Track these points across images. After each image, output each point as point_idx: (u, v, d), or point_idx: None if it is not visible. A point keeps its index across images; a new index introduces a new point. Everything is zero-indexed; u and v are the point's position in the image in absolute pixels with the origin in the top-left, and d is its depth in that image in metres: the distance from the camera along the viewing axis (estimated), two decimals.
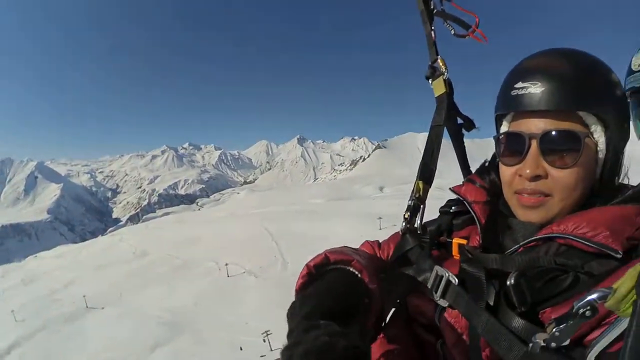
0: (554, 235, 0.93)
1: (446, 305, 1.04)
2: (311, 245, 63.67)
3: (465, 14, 1.60)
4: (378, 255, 1.43)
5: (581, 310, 0.73)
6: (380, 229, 66.72)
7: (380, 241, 1.52)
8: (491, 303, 0.94)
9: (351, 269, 1.06)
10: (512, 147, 1.04)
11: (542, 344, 0.78)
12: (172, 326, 37.81)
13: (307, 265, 1.06)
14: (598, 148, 0.98)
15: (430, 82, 1.60)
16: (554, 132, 0.95)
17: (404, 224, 1.32)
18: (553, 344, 0.77)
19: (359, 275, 1.04)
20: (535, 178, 0.98)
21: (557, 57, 1.00)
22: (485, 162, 1.35)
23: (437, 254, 1.22)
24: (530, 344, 0.81)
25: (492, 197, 1.20)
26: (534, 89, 0.95)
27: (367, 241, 1.54)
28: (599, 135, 0.97)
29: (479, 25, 1.57)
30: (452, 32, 1.62)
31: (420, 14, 1.59)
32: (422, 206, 1.32)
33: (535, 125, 0.98)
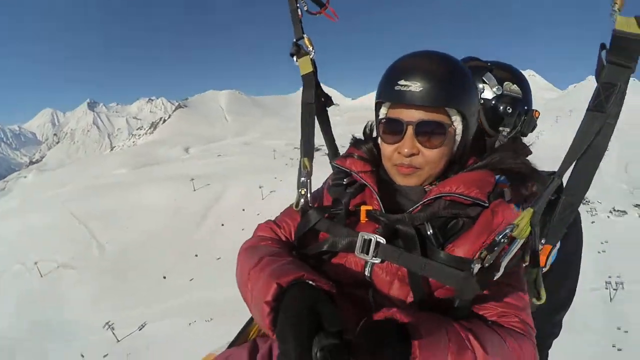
0: (442, 194, 1.22)
1: (378, 261, 1.23)
2: (126, 219, 61.37)
3: None
4: (281, 236, 1.50)
5: (501, 240, 1.05)
6: (194, 190, 66.52)
7: (274, 220, 1.57)
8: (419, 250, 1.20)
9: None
10: (393, 129, 1.26)
11: (479, 266, 1.07)
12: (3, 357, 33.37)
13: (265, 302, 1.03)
14: (456, 133, 1.28)
15: (295, 59, 1.66)
16: (426, 122, 1.20)
17: (302, 200, 1.44)
18: (486, 264, 1.06)
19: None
20: (411, 155, 1.24)
21: (433, 61, 1.24)
22: (354, 136, 1.58)
23: (348, 222, 1.35)
24: (472, 268, 1.08)
25: (373, 166, 1.41)
26: (415, 88, 1.16)
27: (262, 225, 1.56)
28: (458, 124, 1.26)
29: (330, 3, 1.67)
30: (306, 8, 1.66)
31: None
32: (309, 180, 1.49)
33: (412, 115, 1.21)
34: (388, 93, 1.25)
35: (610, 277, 37.34)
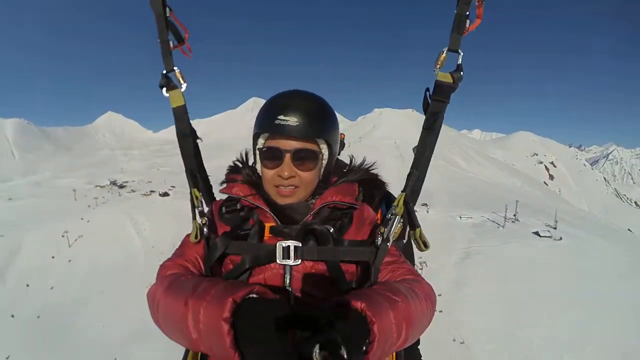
0: (325, 204, 1.53)
1: (299, 262, 1.43)
2: None
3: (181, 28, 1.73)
4: (194, 271, 1.49)
5: (390, 218, 1.46)
6: None
7: (177, 256, 1.55)
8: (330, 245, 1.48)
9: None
10: (273, 156, 1.52)
11: (381, 238, 1.46)
12: None
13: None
14: (324, 158, 1.60)
15: (164, 91, 1.69)
16: (301, 149, 1.49)
17: (205, 230, 1.52)
18: (385, 237, 1.45)
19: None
20: (290, 177, 1.51)
21: (307, 100, 1.55)
22: (231, 166, 1.78)
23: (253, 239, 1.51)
24: (377, 241, 1.47)
25: (256, 189, 1.62)
26: (292, 123, 1.44)
27: (167, 263, 1.51)
28: (325, 151, 1.59)
29: (187, 40, 1.75)
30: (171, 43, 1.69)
31: (156, 18, 1.64)
32: (202, 208, 1.55)
33: (289, 144, 1.48)
34: (268, 126, 1.50)
35: (417, 259, 42.31)
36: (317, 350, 0.84)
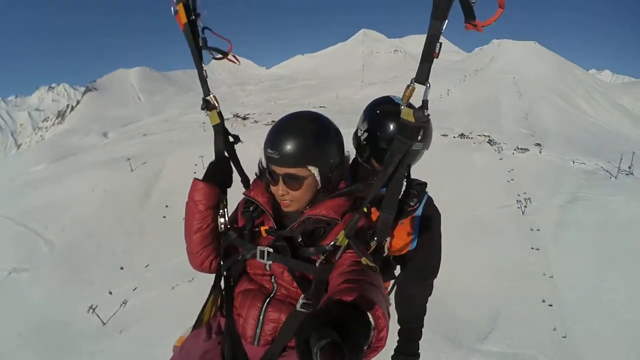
0: (309, 216, 1.83)
1: (270, 262, 1.83)
2: (64, 211, 58.10)
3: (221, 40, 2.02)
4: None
5: (329, 248, 1.73)
6: (132, 170, 64.72)
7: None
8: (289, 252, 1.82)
9: None
10: (272, 178, 1.83)
11: (320, 262, 1.74)
12: None
13: None
14: (315, 177, 1.81)
15: (205, 112, 2.08)
16: (288, 174, 1.76)
17: (222, 226, 2.00)
18: (324, 262, 1.73)
19: None
20: (284, 195, 1.81)
21: (292, 134, 1.75)
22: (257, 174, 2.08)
23: (253, 236, 1.94)
24: (317, 264, 1.74)
25: (271, 194, 1.94)
26: (276, 155, 1.72)
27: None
28: (315, 171, 1.80)
29: (231, 50, 2.03)
30: (212, 57, 2.05)
31: (192, 54, 1.98)
32: (226, 210, 2.04)
33: (280, 169, 1.76)
34: (265, 157, 1.82)
35: (519, 195, 41.29)
36: (318, 352, 0.82)
